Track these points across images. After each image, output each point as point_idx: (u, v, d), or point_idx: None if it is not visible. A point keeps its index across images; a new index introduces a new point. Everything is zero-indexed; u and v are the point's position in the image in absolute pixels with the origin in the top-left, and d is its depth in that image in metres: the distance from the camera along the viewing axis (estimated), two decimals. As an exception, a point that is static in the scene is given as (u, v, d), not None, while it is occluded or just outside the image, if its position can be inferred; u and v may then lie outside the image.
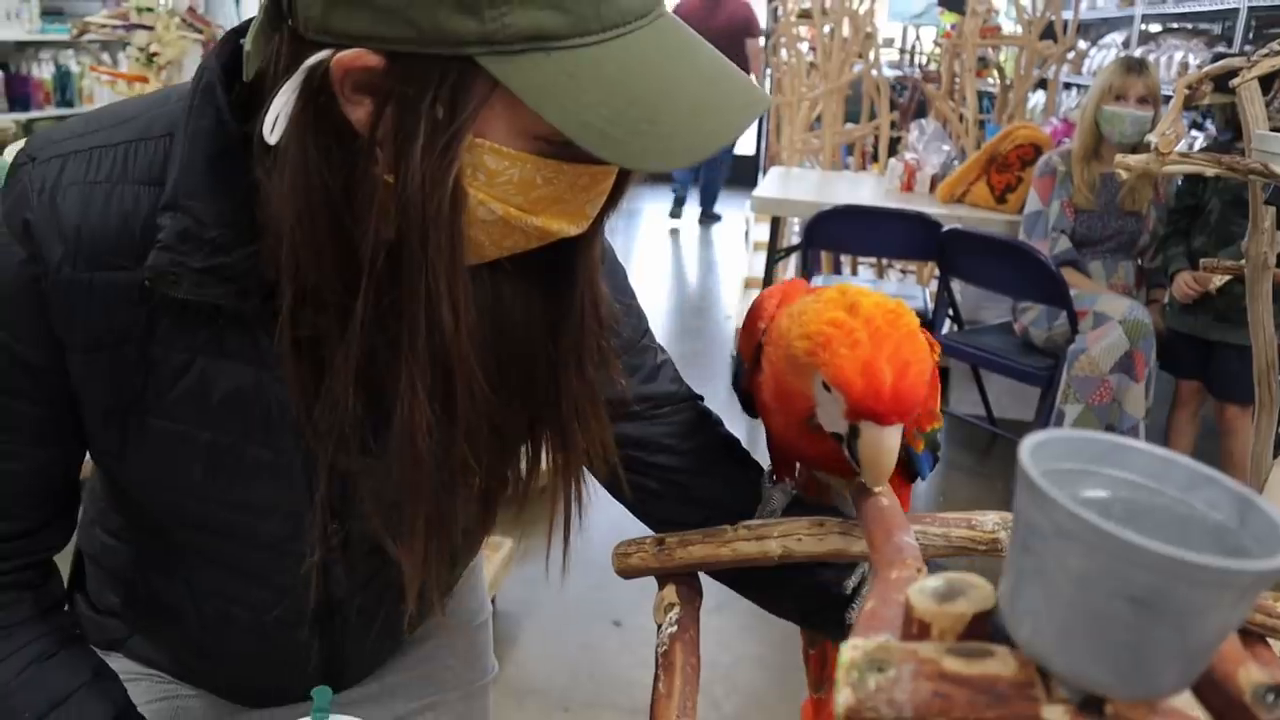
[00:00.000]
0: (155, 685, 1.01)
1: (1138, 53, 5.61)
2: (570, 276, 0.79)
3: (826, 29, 5.58)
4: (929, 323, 3.94)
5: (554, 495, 0.87)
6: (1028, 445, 0.43)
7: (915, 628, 0.46)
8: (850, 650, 0.45)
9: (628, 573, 0.86)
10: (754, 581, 0.91)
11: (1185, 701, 0.47)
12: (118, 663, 0.99)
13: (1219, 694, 0.51)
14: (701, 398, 1.00)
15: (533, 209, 0.70)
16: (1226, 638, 0.43)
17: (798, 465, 0.94)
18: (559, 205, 0.71)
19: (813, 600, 0.88)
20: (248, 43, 0.70)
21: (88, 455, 0.87)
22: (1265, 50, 1.96)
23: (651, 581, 0.90)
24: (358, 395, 0.73)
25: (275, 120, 0.67)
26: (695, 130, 0.66)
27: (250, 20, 0.72)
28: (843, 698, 0.43)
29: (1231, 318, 3.17)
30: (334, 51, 0.65)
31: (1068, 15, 5.21)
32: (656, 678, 0.76)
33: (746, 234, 7.16)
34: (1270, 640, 0.79)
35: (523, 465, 0.87)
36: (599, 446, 0.85)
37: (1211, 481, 0.45)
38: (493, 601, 2.77)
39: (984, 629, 0.46)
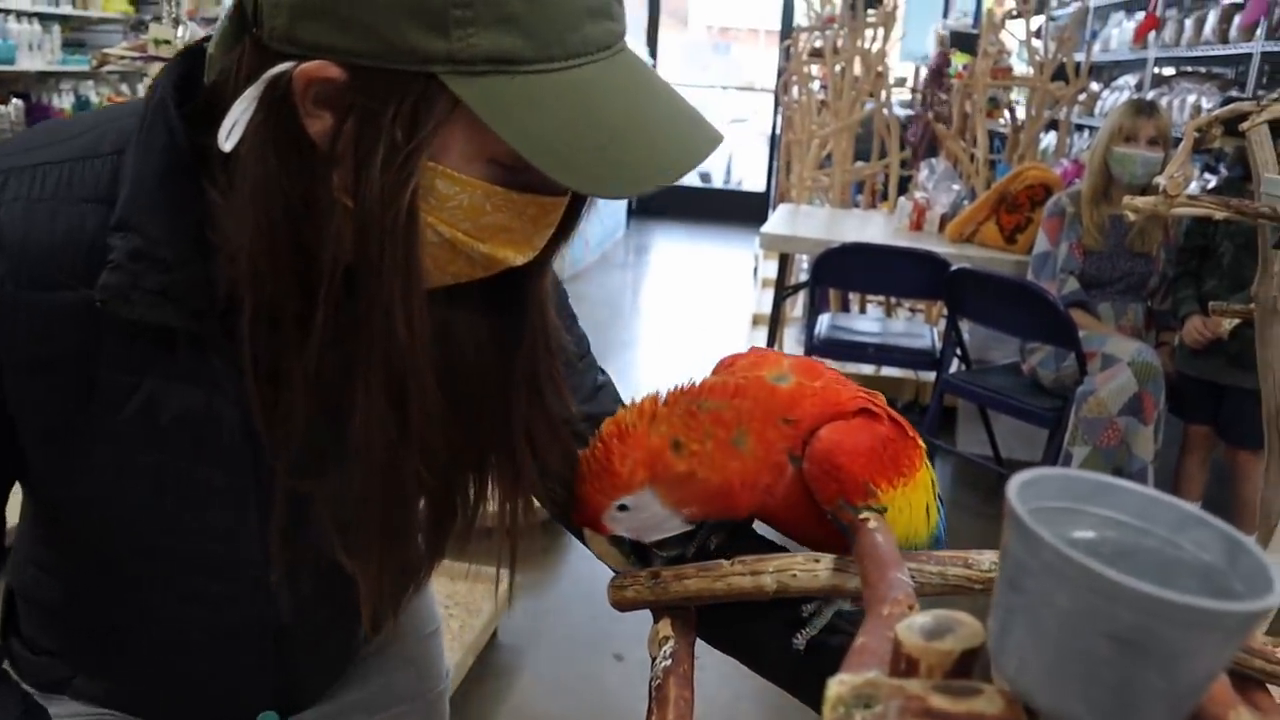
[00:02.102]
0: None
1: (1150, 95, 5.64)
2: (521, 306, 0.80)
3: (838, 68, 5.62)
4: (936, 361, 3.93)
5: (501, 522, 0.87)
6: (1016, 483, 0.43)
7: (904, 664, 0.46)
8: (837, 685, 0.45)
9: (623, 605, 0.86)
10: (716, 620, 0.88)
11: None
12: (63, 706, 0.95)
13: (1210, 737, 0.50)
14: None
15: (480, 236, 0.71)
16: (1214, 679, 0.43)
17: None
18: (506, 234, 0.72)
19: (762, 626, 0.85)
20: (211, 46, 0.71)
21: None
22: (1275, 95, 1.97)
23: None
24: (315, 409, 0.73)
25: (232, 127, 0.67)
26: (651, 160, 0.67)
27: (205, 38, 0.74)
28: (828, 733, 0.43)
29: (1244, 362, 3.15)
30: (297, 63, 0.65)
31: (1080, 57, 5.24)
32: (650, 711, 0.76)
33: (755, 270, 7.18)
34: (1271, 687, 0.78)
35: (471, 495, 0.86)
36: (556, 470, 0.86)
37: (1201, 522, 0.45)
38: (495, 634, 2.76)
39: (972, 666, 0.46)
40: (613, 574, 0.89)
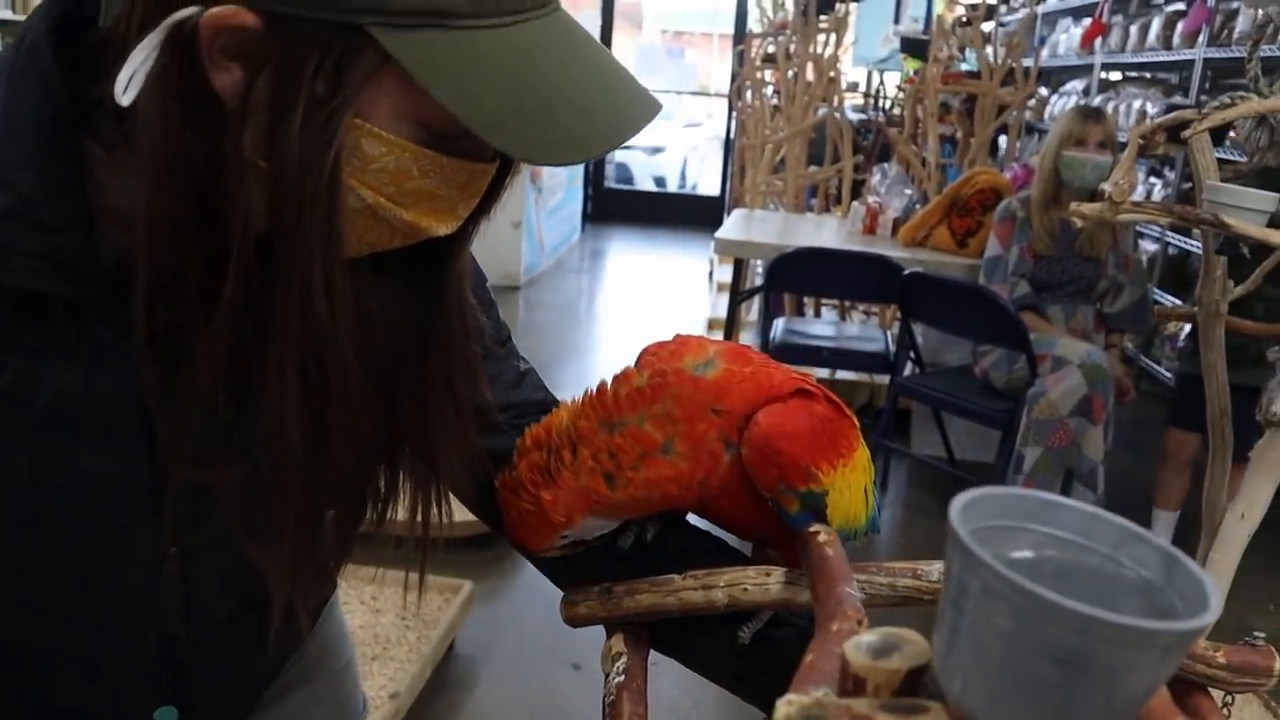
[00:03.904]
0: None
1: (1097, 100, 5.73)
2: (438, 283, 0.76)
3: (791, 73, 5.66)
4: (890, 364, 3.97)
5: (413, 515, 0.82)
6: (957, 505, 0.43)
7: (851, 683, 0.46)
8: (785, 706, 0.45)
9: (576, 621, 0.86)
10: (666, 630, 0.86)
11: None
12: None
13: (1151, 749, 0.51)
14: None
15: (404, 202, 0.66)
16: (1153, 694, 0.44)
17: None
18: (431, 201, 0.67)
19: (713, 636, 0.84)
20: None
21: None
22: (1216, 103, 2.01)
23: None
24: (219, 389, 0.67)
25: (130, 78, 0.60)
26: (589, 127, 0.63)
27: None
28: (775, 755, 0.43)
29: (1235, 358, 2.90)
30: (204, 7, 0.59)
31: (1029, 62, 5.31)
32: (603, 728, 0.76)
33: (710, 274, 7.20)
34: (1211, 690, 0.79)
35: (382, 486, 0.81)
36: (464, 461, 0.81)
37: (1140, 539, 0.45)
38: (451, 645, 2.75)
39: (919, 684, 0.46)
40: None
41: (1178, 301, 4.97)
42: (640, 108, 0.67)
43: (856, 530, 0.86)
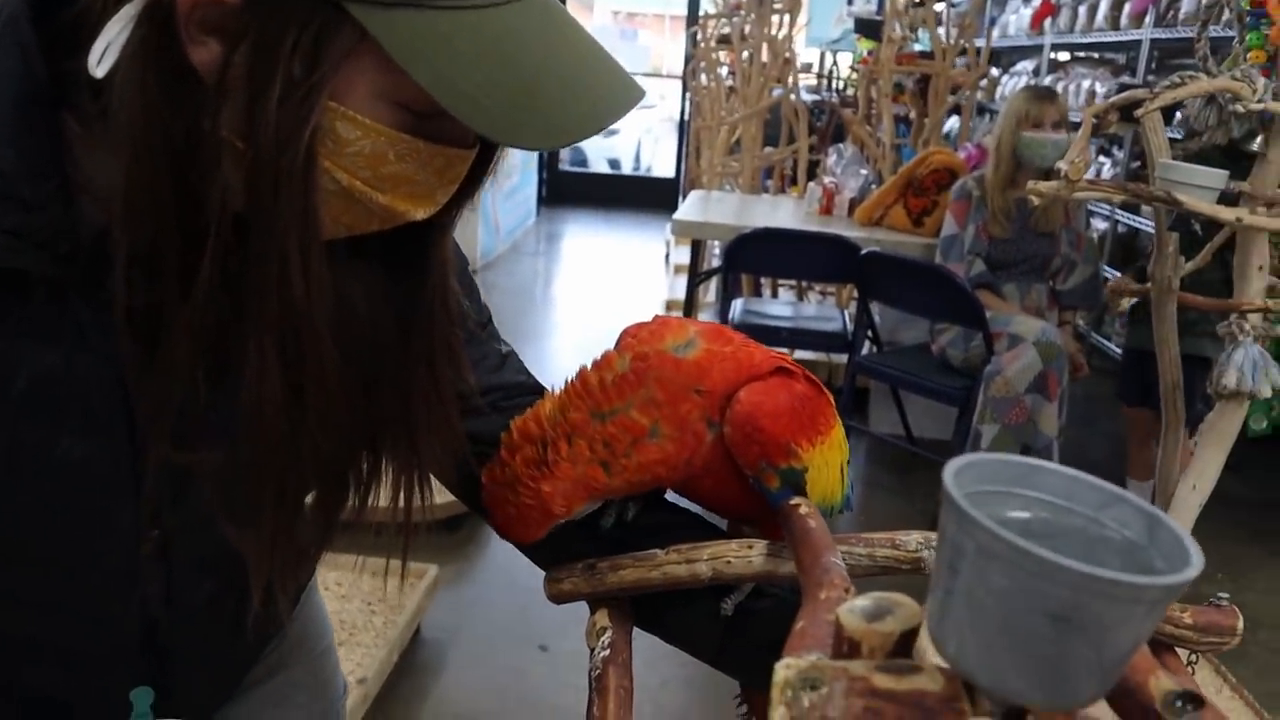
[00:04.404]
0: None
1: (1047, 80, 5.80)
2: (421, 268, 0.75)
3: (745, 54, 5.67)
4: (848, 343, 4.01)
5: (395, 499, 0.82)
6: (951, 469, 0.45)
7: (846, 646, 0.48)
8: (784, 669, 0.46)
9: (560, 598, 0.87)
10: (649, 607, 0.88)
11: (1101, 710, 0.50)
12: None
13: (1132, 702, 0.53)
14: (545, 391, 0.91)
15: (380, 186, 0.65)
16: (1139, 648, 0.45)
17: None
18: (408, 186, 0.67)
19: (694, 609, 0.85)
20: None
21: None
22: (1167, 82, 2.04)
23: (577, 605, 0.90)
24: (197, 367, 0.67)
25: (105, 50, 0.60)
26: (570, 111, 0.63)
27: None
28: (778, 716, 0.44)
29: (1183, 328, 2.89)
30: None
31: (980, 43, 5.36)
32: (590, 702, 0.77)
33: (667, 256, 7.21)
34: (1178, 649, 0.82)
35: (364, 470, 0.81)
36: (447, 446, 0.82)
37: (1122, 501, 0.47)
38: (419, 629, 2.75)
39: (912, 646, 0.48)
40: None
41: (1127, 278, 5.05)
42: (622, 93, 0.66)
43: (833, 507, 0.87)
